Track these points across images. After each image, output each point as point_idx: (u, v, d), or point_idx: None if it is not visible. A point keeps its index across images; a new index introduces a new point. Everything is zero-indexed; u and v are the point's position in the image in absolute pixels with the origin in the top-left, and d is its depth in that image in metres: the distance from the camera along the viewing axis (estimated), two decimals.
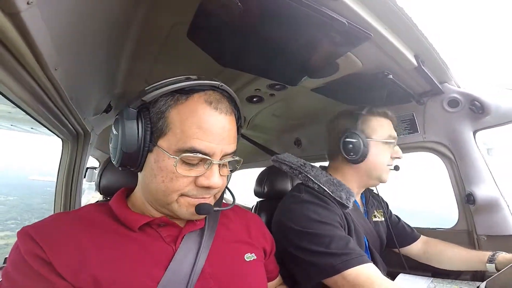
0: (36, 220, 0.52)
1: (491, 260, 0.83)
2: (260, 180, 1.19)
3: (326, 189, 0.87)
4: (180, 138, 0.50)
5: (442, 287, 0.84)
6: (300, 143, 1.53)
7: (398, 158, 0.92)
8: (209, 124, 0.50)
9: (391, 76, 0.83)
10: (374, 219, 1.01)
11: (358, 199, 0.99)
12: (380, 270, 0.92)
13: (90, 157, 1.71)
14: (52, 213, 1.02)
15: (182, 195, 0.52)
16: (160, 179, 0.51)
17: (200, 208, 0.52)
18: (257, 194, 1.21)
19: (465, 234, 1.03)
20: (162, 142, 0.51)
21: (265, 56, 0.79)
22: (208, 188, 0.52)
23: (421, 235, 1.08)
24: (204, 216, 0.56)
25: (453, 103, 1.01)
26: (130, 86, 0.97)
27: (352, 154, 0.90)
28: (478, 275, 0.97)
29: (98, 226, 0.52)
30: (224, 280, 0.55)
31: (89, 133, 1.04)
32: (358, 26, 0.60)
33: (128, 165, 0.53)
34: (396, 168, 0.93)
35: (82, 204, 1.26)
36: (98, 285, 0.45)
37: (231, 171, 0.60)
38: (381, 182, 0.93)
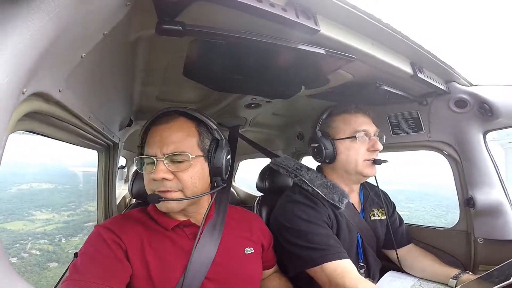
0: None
1: (455, 277, 0.88)
2: (262, 177, 1.24)
3: (319, 192, 0.93)
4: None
5: (427, 285, 0.88)
6: (302, 136, 1.55)
7: (375, 150, 0.92)
8: (152, 136, 0.70)
9: (384, 87, 0.85)
10: (373, 218, 1.03)
11: (354, 198, 1.02)
12: (372, 266, 0.99)
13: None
14: (95, 199, 1.29)
15: (153, 192, 0.69)
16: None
17: (148, 197, 0.68)
18: (259, 189, 1.26)
19: (463, 235, 1.02)
20: None
21: (258, 80, 0.88)
22: (155, 181, 0.67)
23: (412, 243, 1.08)
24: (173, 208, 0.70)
25: (461, 103, 0.98)
26: (145, 103, 1.14)
27: (318, 157, 0.98)
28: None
29: (147, 225, 0.73)
30: (228, 267, 0.73)
31: (117, 144, 1.24)
32: (338, 52, 0.64)
33: None
34: (377, 162, 0.92)
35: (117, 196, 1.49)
36: (148, 267, 0.66)
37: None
38: (364, 176, 0.94)
